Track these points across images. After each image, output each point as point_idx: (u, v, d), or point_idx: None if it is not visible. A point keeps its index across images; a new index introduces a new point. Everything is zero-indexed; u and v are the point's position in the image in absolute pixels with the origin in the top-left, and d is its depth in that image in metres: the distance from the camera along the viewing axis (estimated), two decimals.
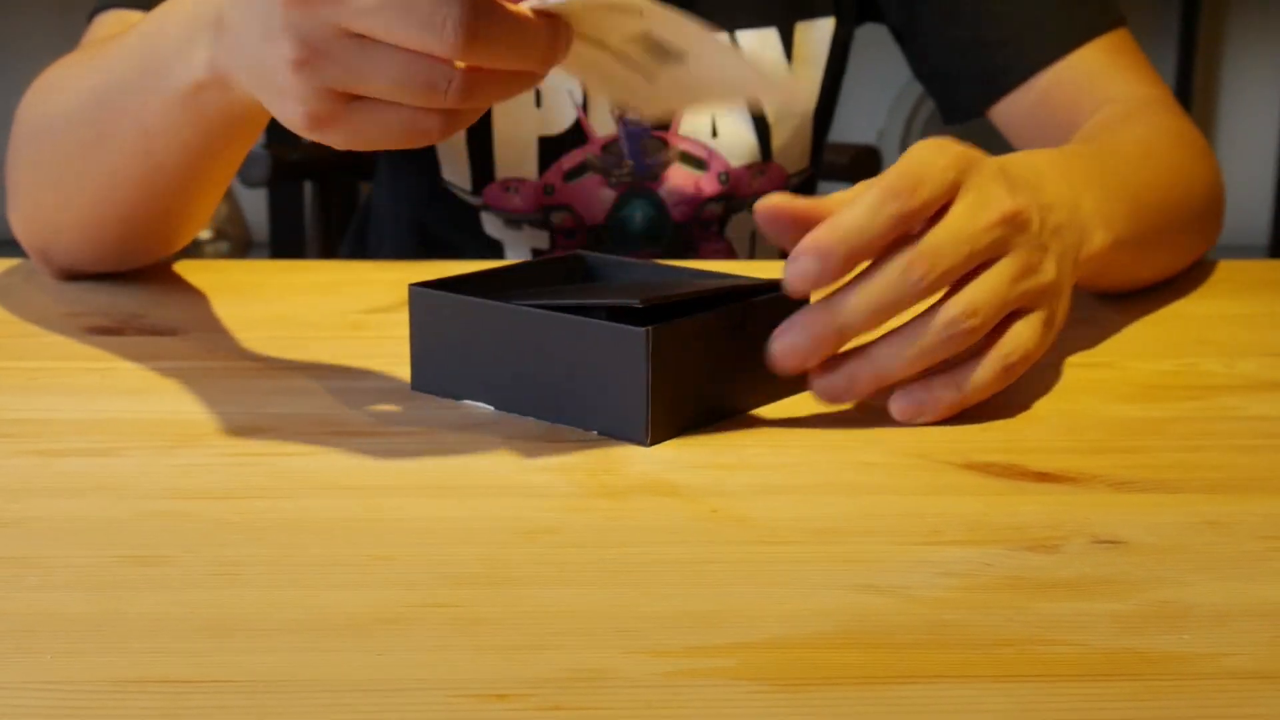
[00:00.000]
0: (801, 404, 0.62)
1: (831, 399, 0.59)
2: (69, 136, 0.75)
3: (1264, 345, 0.74)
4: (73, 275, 0.82)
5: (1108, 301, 0.79)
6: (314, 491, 0.52)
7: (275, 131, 0.74)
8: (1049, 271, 0.61)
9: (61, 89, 0.76)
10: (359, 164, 1.34)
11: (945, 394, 0.59)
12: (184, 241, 0.81)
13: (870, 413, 0.61)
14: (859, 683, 0.39)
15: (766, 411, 0.61)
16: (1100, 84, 0.92)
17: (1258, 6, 3.04)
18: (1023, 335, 0.60)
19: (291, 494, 0.52)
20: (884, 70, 2.97)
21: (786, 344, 0.57)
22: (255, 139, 0.71)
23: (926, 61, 0.98)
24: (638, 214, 0.98)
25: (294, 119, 0.55)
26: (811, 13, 0.98)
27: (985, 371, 0.59)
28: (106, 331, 0.73)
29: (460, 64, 0.52)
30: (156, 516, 0.50)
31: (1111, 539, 0.48)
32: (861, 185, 0.57)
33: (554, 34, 0.54)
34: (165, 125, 0.68)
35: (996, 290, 0.58)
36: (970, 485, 0.53)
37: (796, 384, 0.63)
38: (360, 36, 0.52)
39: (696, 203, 0.98)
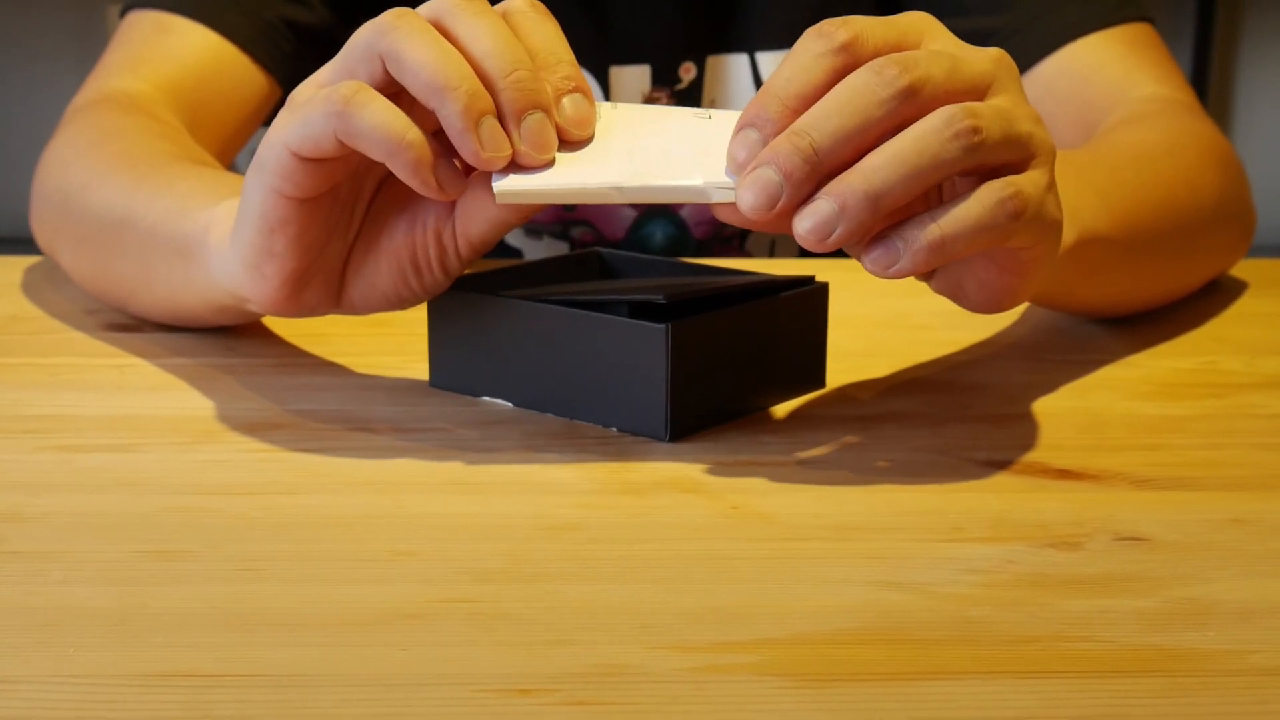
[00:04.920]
0: (822, 402, 0.62)
1: (820, 236, 0.48)
2: (92, 244, 0.73)
3: None
4: None
5: None
6: (335, 487, 0.52)
7: None
8: (1047, 138, 0.52)
9: (87, 197, 0.74)
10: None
11: (920, 232, 0.49)
12: None
13: (890, 410, 0.61)
14: (883, 679, 0.39)
15: (786, 408, 0.61)
16: (1113, 77, 0.86)
17: (1274, 4, 3.03)
18: (1023, 180, 0.50)
19: (312, 490, 0.52)
20: None
21: (753, 180, 0.49)
22: None
23: None
24: (658, 232, 0.98)
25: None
26: None
27: (976, 205, 0.49)
28: (126, 329, 0.73)
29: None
30: (178, 512, 0.50)
31: (1134, 536, 0.48)
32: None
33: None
34: (187, 298, 0.67)
35: (1000, 108, 0.50)
36: (991, 482, 0.53)
37: (818, 381, 0.63)
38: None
39: (718, 223, 0.98)
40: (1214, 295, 0.81)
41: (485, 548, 0.47)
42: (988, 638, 0.41)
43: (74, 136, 0.79)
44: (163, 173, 0.71)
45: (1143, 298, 0.74)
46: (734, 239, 1.00)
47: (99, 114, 0.80)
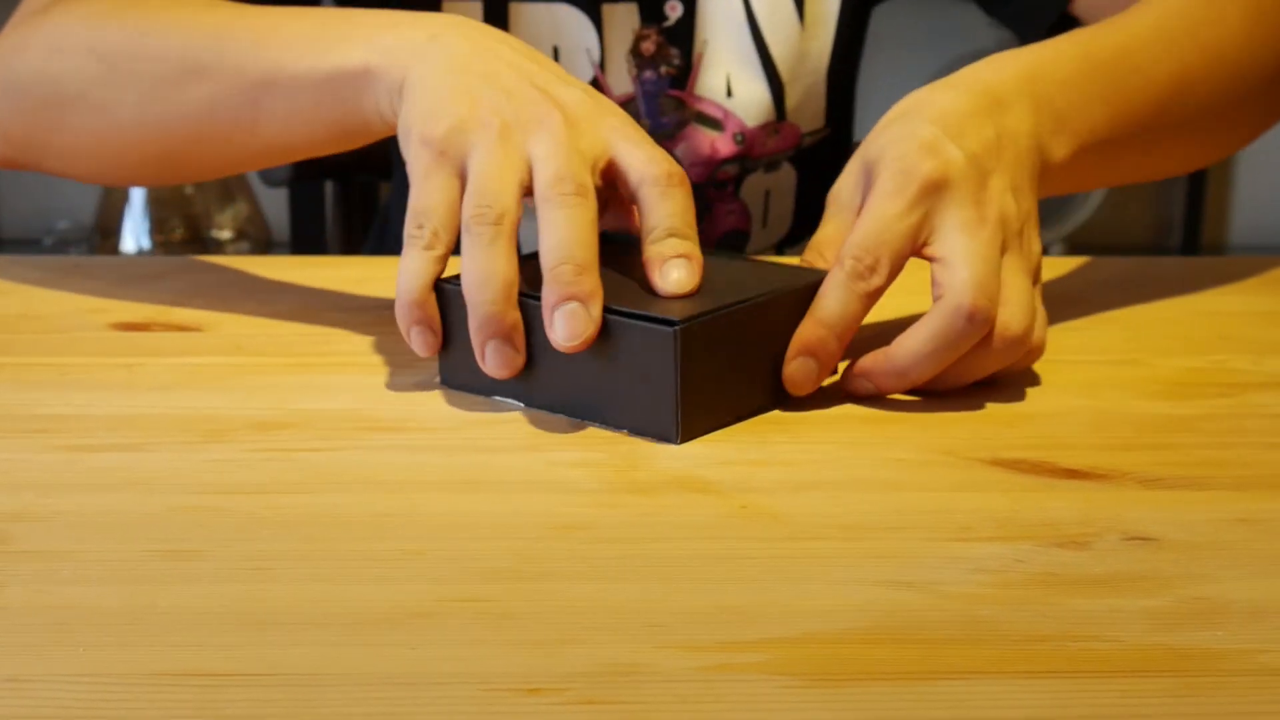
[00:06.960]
0: (830, 401, 0.62)
1: (862, 393, 0.62)
2: (150, 96, 0.74)
3: None
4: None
5: (1134, 299, 0.79)
6: (344, 487, 0.53)
7: None
8: (1006, 205, 0.61)
9: (147, 45, 0.74)
10: (380, 164, 1.34)
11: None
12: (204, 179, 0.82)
13: (899, 410, 0.61)
14: (892, 678, 0.39)
15: (795, 409, 0.61)
16: None
17: None
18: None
19: (321, 489, 0.52)
20: (903, 67, 2.97)
21: (796, 369, 0.60)
22: (356, 144, 0.71)
23: None
24: None
25: (423, 131, 0.61)
26: None
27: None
28: (133, 328, 0.73)
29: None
30: (187, 511, 0.50)
31: (1143, 535, 0.48)
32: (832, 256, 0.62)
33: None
34: (291, 92, 0.69)
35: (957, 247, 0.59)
36: (999, 482, 0.53)
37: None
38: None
39: (713, 164, 0.98)
40: (1222, 294, 0.81)
41: (494, 547, 0.47)
42: (996, 637, 0.41)
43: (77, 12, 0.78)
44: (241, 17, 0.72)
45: (1168, 170, 0.80)
46: (728, 184, 0.99)
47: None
